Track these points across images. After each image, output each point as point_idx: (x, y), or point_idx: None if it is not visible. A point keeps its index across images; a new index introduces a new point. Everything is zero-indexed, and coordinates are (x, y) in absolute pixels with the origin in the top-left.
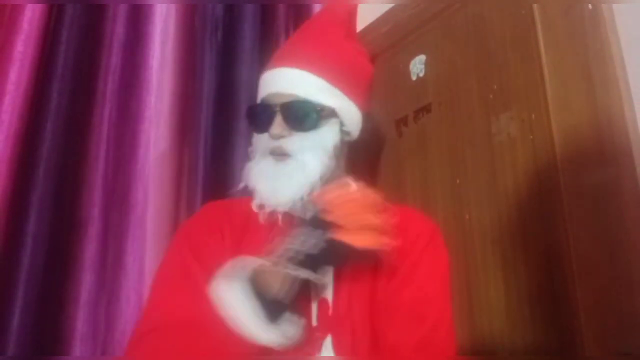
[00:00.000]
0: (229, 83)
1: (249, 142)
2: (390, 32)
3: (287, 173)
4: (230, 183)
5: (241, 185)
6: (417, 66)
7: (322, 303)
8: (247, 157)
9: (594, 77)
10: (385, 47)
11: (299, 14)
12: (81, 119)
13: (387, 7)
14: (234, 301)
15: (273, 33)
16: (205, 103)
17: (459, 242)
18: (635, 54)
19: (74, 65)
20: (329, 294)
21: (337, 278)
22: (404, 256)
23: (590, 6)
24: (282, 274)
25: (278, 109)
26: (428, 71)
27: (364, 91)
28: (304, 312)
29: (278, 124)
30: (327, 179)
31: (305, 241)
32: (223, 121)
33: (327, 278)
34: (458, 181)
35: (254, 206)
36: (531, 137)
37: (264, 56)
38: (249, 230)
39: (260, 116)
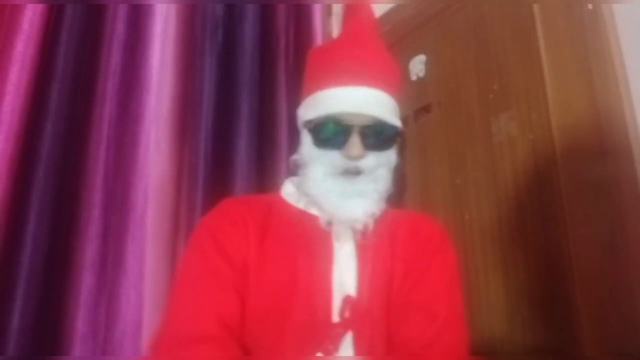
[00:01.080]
0: (229, 83)
1: (250, 143)
2: (390, 32)
3: (360, 190)
4: (231, 183)
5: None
6: (417, 66)
7: (346, 300)
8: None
9: (594, 77)
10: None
11: (299, 14)
12: (81, 119)
13: (387, 7)
14: None
15: (273, 33)
16: (205, 103)
17: (459, 241)
18: (635, 54)
19: (74, 66)
20: (352, 291)
21: (360, 276)
22: (416, 259)
23: (590, 6)
24: None
25: (358, 129)
26: (428, 71)
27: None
28: (326, 308)
29: (357, 145)
30: (387, 197)
31: None
32: (223, 121)
33: (350, 275)
34: (458, 181)
35: (322, 222)
36: (531, 136)
37: (264, 56)
38: (271, 227)
39: (334, 134)
